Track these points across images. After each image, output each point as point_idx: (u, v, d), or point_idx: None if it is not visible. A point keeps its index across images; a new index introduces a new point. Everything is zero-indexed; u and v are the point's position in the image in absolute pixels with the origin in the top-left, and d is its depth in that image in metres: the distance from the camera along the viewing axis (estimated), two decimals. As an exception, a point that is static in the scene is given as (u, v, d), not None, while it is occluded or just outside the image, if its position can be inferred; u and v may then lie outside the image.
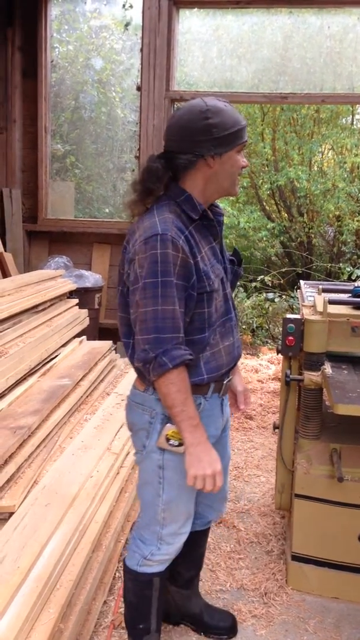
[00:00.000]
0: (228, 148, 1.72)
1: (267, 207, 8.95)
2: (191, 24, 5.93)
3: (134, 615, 2.02)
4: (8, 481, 2.65)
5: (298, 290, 3.83)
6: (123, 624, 2.32)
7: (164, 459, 1.84)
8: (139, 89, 5.81)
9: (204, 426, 1.76)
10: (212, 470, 1.72)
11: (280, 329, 3.00)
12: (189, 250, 1.68)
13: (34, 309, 4.20)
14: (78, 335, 4.72)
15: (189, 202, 1.75)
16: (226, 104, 1.75)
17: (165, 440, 1.82)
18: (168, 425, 1.81)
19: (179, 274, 1.66)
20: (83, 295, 5.38)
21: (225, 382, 1.92)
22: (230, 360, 1.90)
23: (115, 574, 2.58)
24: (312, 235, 8.40)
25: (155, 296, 1.64)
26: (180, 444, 1.80)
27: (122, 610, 2.40)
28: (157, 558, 1.94)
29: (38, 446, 3.01)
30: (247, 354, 6.11)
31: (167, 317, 1.65)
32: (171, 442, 1.81)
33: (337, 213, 8.10)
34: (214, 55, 6.01)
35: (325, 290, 3.11)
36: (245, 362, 5.68)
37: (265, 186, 8.49)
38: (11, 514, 2.48)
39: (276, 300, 7.34)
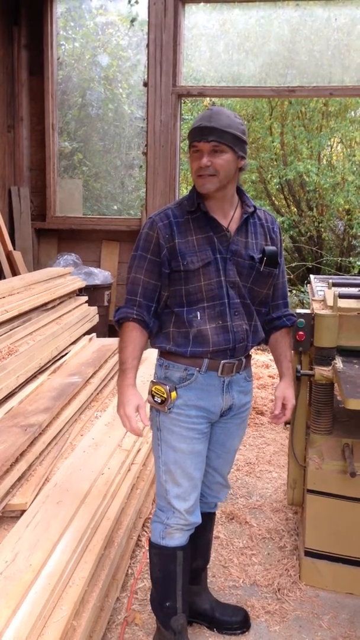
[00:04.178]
0: (188, 150, 1.99)
1: (276, 202, 8.90)
2: (197, 19, 5.90)
3: (160, 591, 2.13)
4: (19, 479, 2.66)
5: (308, 285, 3.81)
6: (136, 621, 2.32)
7: (160, 420, 2.03)
8: (145, 85, 5.80)
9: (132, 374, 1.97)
10: (123, 410, 1.94)
11: (291, 323, 2.95)
12: (169, 233, 1.96)
13: (43, 307, 4.21)
14: (88, 332, 4.72)
15: (190, 197, 2.02)
16: (207, 110, 1.94)
17: (151, 397, 1.98)
18: (153, 381, 2.00)
19: (152, 250, 1.97)
20: (92, 293, 5.38)
21: (223, 362, 2.00)
22: (220, 341, 1.98)
23: (127, 570, 2.58)
24: (322, 230, 8.35)
25: (132, 267, 2.01)
26: (162, 401, 1.96)
27: (135, 607, 2.41)
28: (173, 522, 2.06)
29: (49, 444, 3.02)
30: (258, 349, 6.07)
31: (132, 283, 1.99)
32: (155, 398, 1.97)
33: (347, 207, 8.04)
34: (220, 50, 5.99)
35: (335, 285, 3.08)
36: (256, 358, 5.66)
37: (274, 180, 8.45)
38: (23, 511, 2.49)
39: (286, 295, 7.30)
